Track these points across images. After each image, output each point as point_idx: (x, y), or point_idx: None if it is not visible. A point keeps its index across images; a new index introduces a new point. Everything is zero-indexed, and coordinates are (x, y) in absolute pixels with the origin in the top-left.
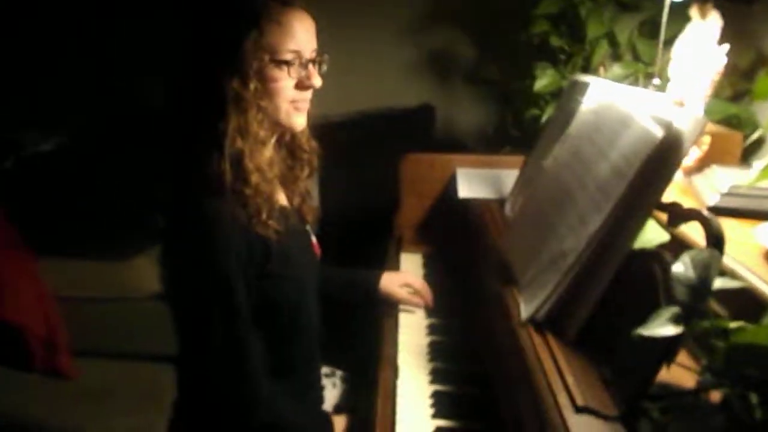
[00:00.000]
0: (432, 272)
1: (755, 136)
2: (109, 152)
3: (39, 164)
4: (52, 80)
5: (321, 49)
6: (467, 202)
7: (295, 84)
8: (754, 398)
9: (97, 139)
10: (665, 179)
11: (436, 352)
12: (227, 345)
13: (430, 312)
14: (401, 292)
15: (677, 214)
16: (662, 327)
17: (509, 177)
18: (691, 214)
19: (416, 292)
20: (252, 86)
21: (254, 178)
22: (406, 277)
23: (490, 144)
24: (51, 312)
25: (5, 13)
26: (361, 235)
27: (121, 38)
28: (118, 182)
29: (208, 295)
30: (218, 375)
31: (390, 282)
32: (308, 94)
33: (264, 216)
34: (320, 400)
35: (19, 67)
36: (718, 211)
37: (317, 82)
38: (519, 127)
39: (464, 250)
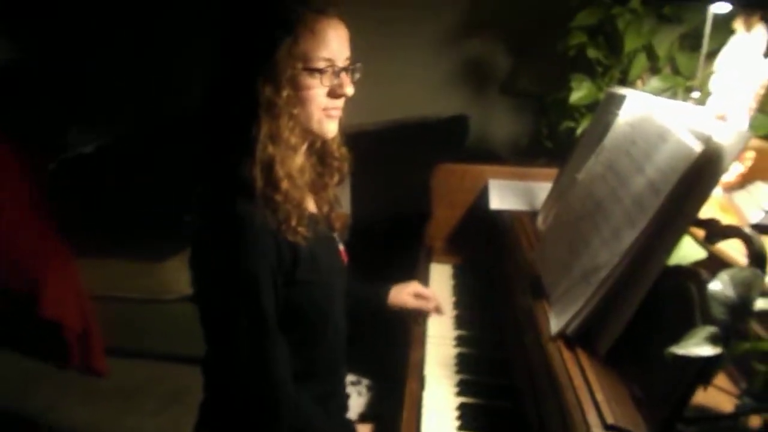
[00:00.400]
0: (461, 283)
1: None
2: (145, 155)
3: (80, 166)
4: (93, 84)
5: (354, 57)
6: (499, 214)
7: (328, 92)
8: None
9: (135, 142)
10: (703, 195)
11: (463, 363)
12: (253, 349)
13: (458, 323)
14: (412, 301)
15: (716, 231)
16: (699, 347)
17: (542, 189)
18: (732, 231)
19: (427, 300)
20: (284, 93)
21: (285, 184)
22: (414, 286)
23: (524, 156)
24: (87, 309)
25: (46, 23)
26: (391, 244)
27: (159, 43)
28: (154, 184)
29: (236, 298)
30: (244, 379)
31: (399, 293)
32: (340, 102)
33: (293, 222)
34: (345, 407)
35: (63, 71)
36: (761, 228)
37: (349, 90)
38: (553, 139)
39: (495, 262)
